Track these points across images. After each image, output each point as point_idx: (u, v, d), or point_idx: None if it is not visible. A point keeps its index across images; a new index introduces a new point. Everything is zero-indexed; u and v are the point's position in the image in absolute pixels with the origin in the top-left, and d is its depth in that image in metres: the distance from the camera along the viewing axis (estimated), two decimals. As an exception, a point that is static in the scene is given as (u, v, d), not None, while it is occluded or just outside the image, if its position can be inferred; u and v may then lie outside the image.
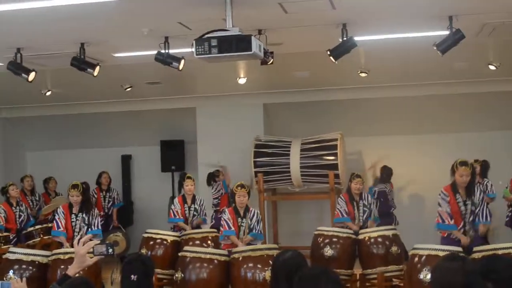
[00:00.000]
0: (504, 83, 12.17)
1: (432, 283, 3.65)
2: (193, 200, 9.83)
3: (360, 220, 9.65)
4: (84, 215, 8.60)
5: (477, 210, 7.50)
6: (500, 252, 6.56)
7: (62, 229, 8.58)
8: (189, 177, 10.13)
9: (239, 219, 8.25)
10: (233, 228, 8.27)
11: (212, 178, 12.13)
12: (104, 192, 12.74)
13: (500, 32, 8.31)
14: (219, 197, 11.79)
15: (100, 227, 8.71)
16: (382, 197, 11.28)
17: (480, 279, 2.68)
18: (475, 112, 12.86)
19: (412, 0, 6.90)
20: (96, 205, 12.15)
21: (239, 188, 8.53)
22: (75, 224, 8.57)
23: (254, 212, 8.33)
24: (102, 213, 12.31)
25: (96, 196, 12.54)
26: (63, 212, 8.66)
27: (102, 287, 8.24)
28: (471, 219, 7.47)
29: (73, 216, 8.60)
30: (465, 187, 7.54)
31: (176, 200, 10.12)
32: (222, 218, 8.64)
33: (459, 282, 3.27)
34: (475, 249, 6.94)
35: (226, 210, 8.70)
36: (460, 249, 6.89)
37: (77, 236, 8.37)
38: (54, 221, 8.82)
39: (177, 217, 9.83)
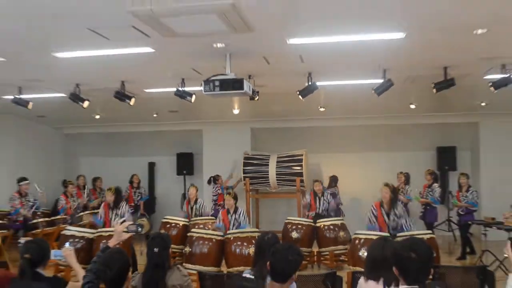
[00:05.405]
0: (420, 117, 12.29)
1: (367, 257, 3.70)
2: (195, 202, 9.83)
3: (319, 210, 9.98)
4: (117, 210, 8.53)
5: (400, 221, 7.40)
6: (416, 236, 6.61)
7: (99, 218, 8.58)
8: (192, 185, 10.15)
9: (229, 216, 8.27)
10: (221, 223, 8.26)
11: (213, 180, 12.11)
12: (134, 189, 12.67)
13: (418, 81, 8.42)
14: (217, 195, 11.76)
15: (126, 216, 8.40)
16: (333, 197, 11.30)
17: (403, 251, 2.73)
18: (400, 138, 12.94)
19: (358, 57, 6.93)
20: (128, 198, 12.13)
21: (226, 195, 8.59)
22: (111, 216, 8.50)
23: (240, 211, 8.35)
24: (132, 204, 12.27)
25: (128, 191, 12.45)
26: (103, 208, 8.60)
27: (132, 257, 8.15)
28: (394, 225, 7.45)
29: (110, 210, 8.54)
30: (390, 202, 7.48)
31: (185, 202, 10.13)
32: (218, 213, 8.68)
33: (385, 255, 3.32)
34: (398, 234, 6.97)
35: (221, 211, 8.70)
36: (388, 234, 6.93)
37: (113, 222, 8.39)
38: (99, 213, 8.79)
39: (186, 213, 9.86)
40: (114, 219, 8.33)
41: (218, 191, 11.81)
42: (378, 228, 7.43)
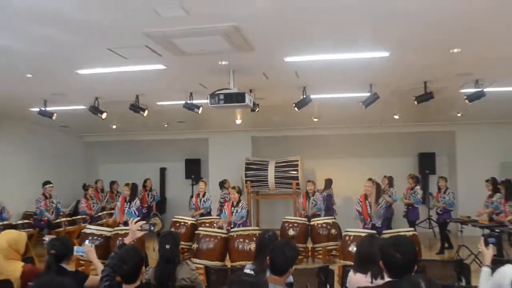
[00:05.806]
0: (403, 127, 12.34)
1: (356, 252, 3.70)
2: (203, 195, 9.85)
3: (309, 209, 9.96)
4: (130, 203, 8.55)
5: (379, 208, 7.41)
6: (401, 233, 6.59)
7: (117, 211, 8.67)
8: (202, 180, 10.18)
9: (232, 208, 8.29)
10: (226, 213, 8.29)
11: (222, 184, 12.08)
12: (148, 192, 12.67)
13: (401, 94, 8.43)
14: (225, 199, 11.69)
15: (136, 213, 8.43)
16: (328, 198, 11.31)
17: (389, 249, 2.70)
18: (385, 145, 12.96)
19: (347, 73, 6.96)
20: (142, 199, 12.11)
21: (231, 189, 8.59)
22: (126, 209, 8.53)
23: (241, 203, 8.35)
24: (145, 205, 12.23)
25: (142, 194, 12.44)
26: (120, 202, 8.63)
27: (145, 254, 8.14)
28: (374, 214, 7.43)
29: (125, 204, 8.56)
30: (375, 195, 7.45)
31: (194, 195, 10.12)
32: (223, 207, 8.67)
33: (372, 251, 3.32)
34: (384, 232, 6.96)
35: (226, 204, 8.72)
36: (374, 232, 6.91)
37: (126, 216, 8.39)
38: (116, 206, 8.86)
39: (193, 205, 9.94)
40: (127, 212, 8.36)
41: (226, 196, 11.77)
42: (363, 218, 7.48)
